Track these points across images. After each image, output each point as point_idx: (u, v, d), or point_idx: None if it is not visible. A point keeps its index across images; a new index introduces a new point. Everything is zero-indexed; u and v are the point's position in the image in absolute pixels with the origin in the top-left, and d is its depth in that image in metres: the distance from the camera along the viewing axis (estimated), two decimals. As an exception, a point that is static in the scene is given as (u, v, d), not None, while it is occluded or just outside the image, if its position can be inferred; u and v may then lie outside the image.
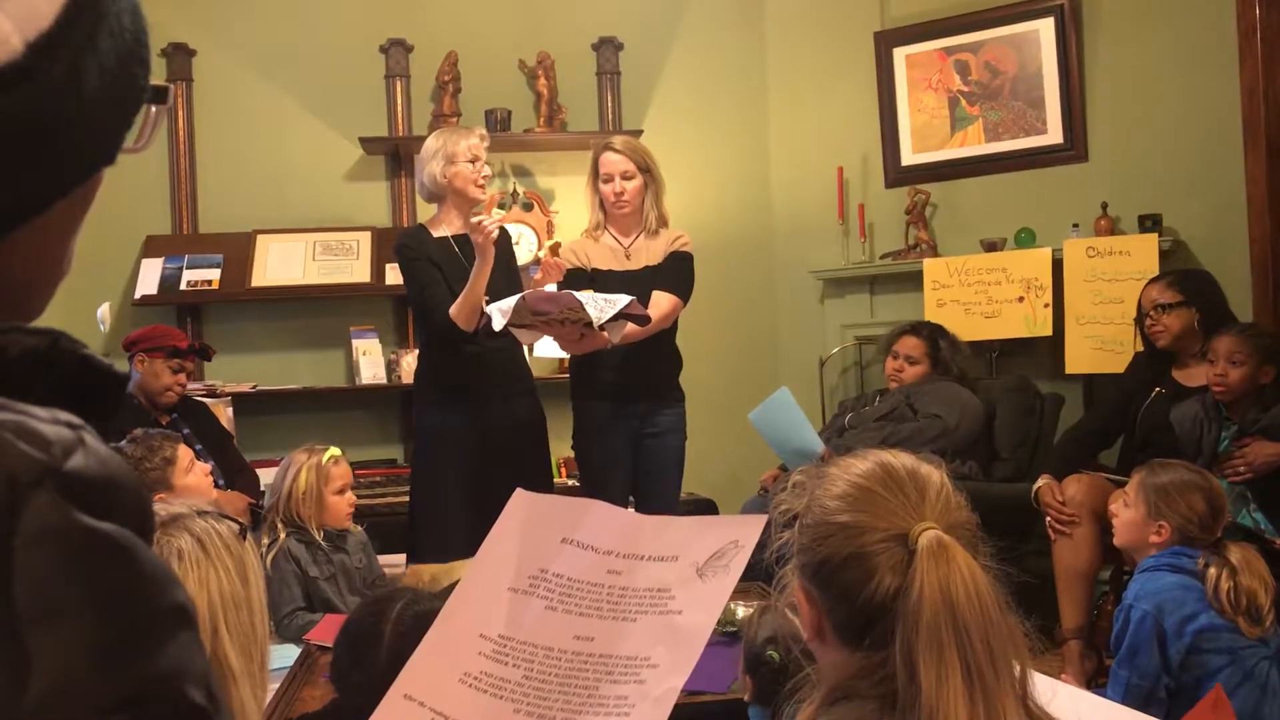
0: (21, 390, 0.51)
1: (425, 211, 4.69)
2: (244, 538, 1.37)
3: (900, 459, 1.16)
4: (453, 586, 1.13)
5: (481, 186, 3.35)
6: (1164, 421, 3.37)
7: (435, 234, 3.37)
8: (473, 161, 3.31)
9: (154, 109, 0.66)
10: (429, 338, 3.41)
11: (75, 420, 0.50)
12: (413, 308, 3.53)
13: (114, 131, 0.60)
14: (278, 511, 2.98)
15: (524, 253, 4.55)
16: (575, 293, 3.03)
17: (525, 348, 3.48)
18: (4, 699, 0.43)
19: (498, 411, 3.32)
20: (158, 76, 0.64)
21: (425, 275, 3.30)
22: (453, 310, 3.20)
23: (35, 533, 0.45)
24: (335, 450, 3.06)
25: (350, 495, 3.06)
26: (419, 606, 1.80)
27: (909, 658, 1.03)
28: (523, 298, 2.95)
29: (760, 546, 1.19)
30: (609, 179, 3.38)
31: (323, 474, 3.00)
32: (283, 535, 2.94)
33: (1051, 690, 1.14)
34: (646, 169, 3.41)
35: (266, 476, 4.27)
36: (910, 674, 1.02)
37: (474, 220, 3.16)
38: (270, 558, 2.88)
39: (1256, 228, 3.95)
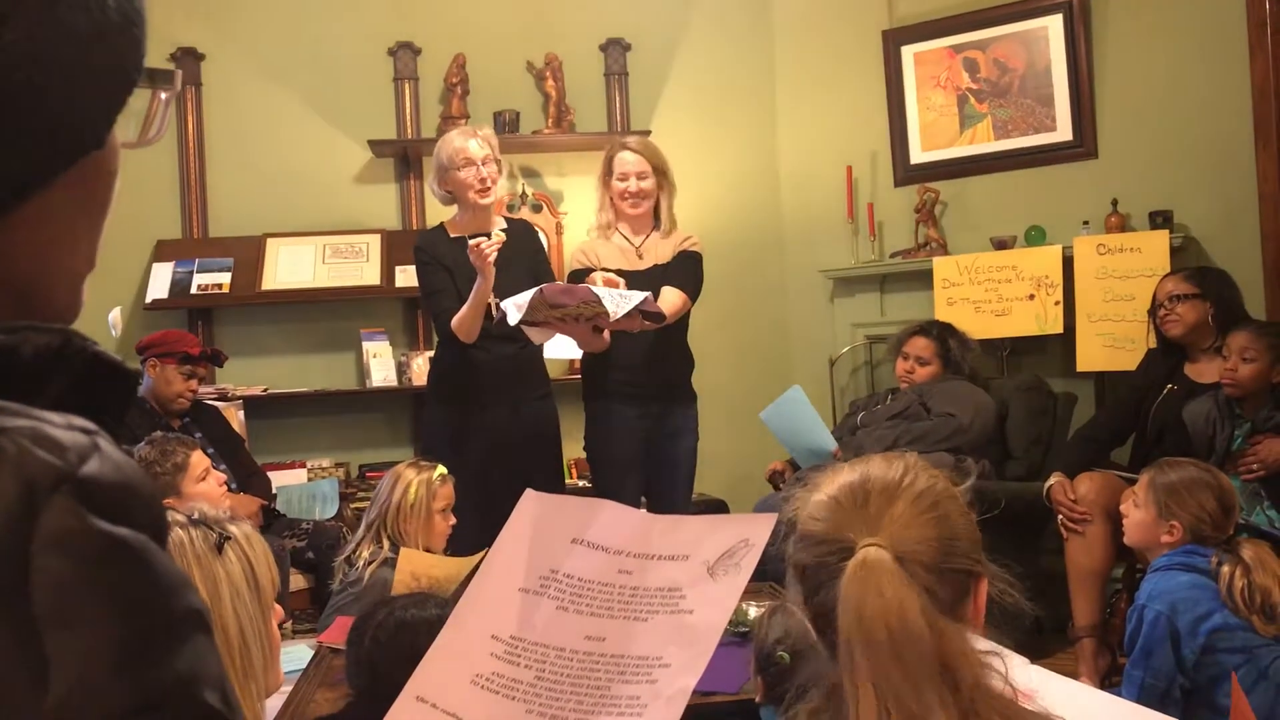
0: (34, 390, 0.51)
1: (434, 214, 4.72)
2: (220, 550, 1.33)
3: (893, 469, 1.15)
4: (440, 593, 1.13)
5: (482, 191, 3.27)
6: (1177, 418, 3.36)
7: (452, 235, 3.36)
8: (463, 167, 3.24)
9: (162, 96, 0.65)
10: (439, 340, 3.42)
11: (90, 425, 0.50)
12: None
13: (94, 110, 0.58)
14: (384, 525, 2.78)
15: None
16: (592, 286, 3.02)
17: (542, 351, 3.46)
18: (23, 703, 0.44)
19: (503, 418, 3.30)
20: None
21: (433, 282, 3.32)
22: (454, 322, 3.21)
23: (52, 538, 0.46)
24: (443, 469, 2.89)
25: (451, 516, 2.88)
26: (401, 615, 1.84)
27: (842, 672, 1.05)
28: (540, 291, 2.93)
29: (783, 539, 1.21)
30: (624, 178, 3.37)
31: (432, 491, 2.82)
32: (386, 549, 2.75)
33: (1072, 699, 1.14)
34: (661, 170, 3.41)
35: (278, 479, 4.29)
36: (847, 688, 1.04)
37: (471, 242, 3.12)
38: (370, 570, 2.72)
39: (1268, 224, 3.93)
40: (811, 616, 1.12)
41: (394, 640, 1.80)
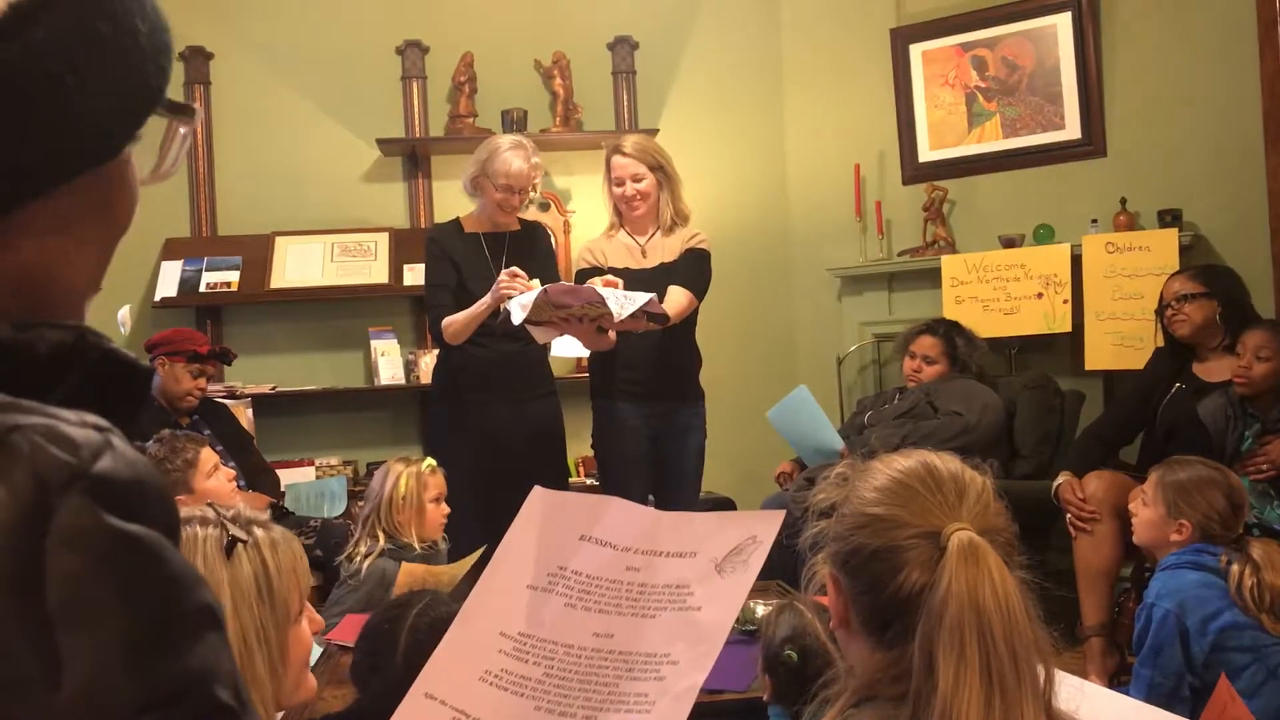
0: (48, 387, 0.52)
1: (442, 213, 4.72)
2: (230, 553, 1.29)
3: (946, 461, 1.15)
4: (466, 588, 1.12)
5: (509, 213, 3.35)
6: (1185, 417, 3.34)
7: (468, 229, 3.38)
8: (502, 190, 3.29)
9: (181, 131, 0.66)
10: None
11: (103, 423, 0.50)
12: None
13: (111, 116, 0.59)
14: (378, 519, 2.86)
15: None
16: (596, 287, 3.02)
17: (546, 349, 3.47)
18: (37, 698, 0.44)
19: (505, 416, 3.32)
20: (175, 79, 0.64)
21: (436, 275, 3.34)
22: (445, 322, 3.23)
23: (66, 535, 0.46)
24: (432, 460, 2.98)
25: (444, 506, 2.95)
26: (435, 612, 1.81)
27: (928, 654, 1.02)
28: (544, 291, 2.94)
29: (795, 534, 1.19)
30: (620, 182, 3.38)
31: (422, 481, 2.89)
32: (382, 541, 2.82)
33: (1080, 691, 1.13)
34: (658, 167, 3.39)
35: (287, 477, 4.30)
36: (928, 670, 1.02)
37: (503, 281, 3.09)
38: (366, 565, 2.78)
39: (1278, 222, 3.91)
40: (872, 604, 1.09)
41: (433, 639, 1.77)
